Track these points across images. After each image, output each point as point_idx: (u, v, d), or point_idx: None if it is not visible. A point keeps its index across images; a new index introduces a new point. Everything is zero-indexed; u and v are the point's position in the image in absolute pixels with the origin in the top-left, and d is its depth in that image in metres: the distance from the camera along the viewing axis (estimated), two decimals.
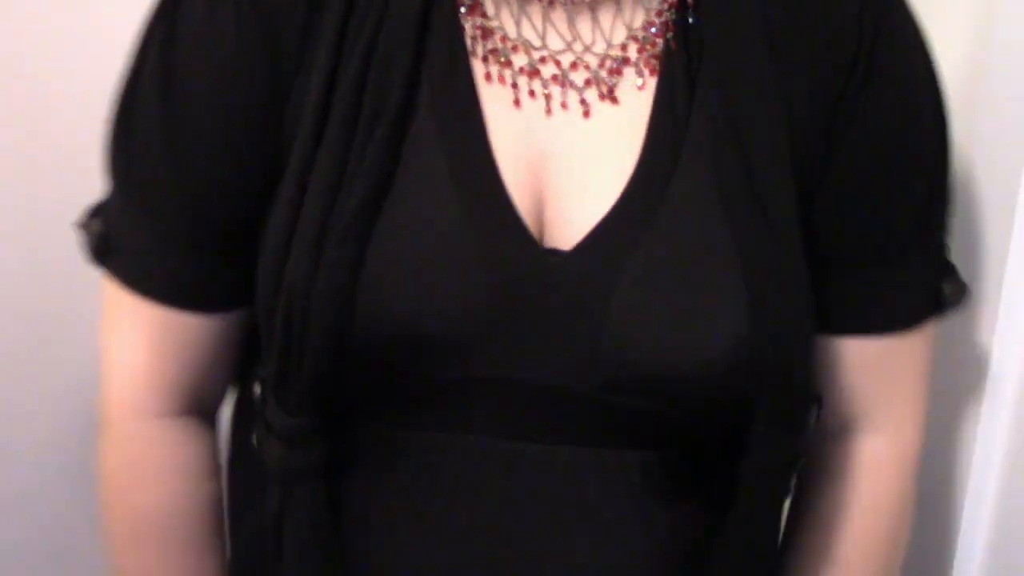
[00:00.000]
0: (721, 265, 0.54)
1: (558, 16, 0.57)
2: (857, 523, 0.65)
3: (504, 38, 0.57)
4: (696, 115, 0.56)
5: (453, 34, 0.57)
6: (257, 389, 0.58)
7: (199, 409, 0.64)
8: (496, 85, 0.57)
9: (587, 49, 0.57)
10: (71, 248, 0.65)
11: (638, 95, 0.57)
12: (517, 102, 0.57)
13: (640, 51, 0.58)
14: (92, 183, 0.63)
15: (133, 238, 0.60)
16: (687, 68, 0.57)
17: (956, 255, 0.74)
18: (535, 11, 0.57)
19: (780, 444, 0.58)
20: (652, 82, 0.58)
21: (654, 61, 0.58)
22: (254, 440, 0.59)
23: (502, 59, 0.57)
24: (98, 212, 0.62)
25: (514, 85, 0.57)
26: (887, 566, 0.67)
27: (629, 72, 0.58)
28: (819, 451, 0.65)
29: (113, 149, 0.60)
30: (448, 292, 0.53)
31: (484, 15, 0.57)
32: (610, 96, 0.57)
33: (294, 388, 0.54)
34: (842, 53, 0.58)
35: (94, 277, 0.63)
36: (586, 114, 0.57)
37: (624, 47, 0.58)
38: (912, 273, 0.63)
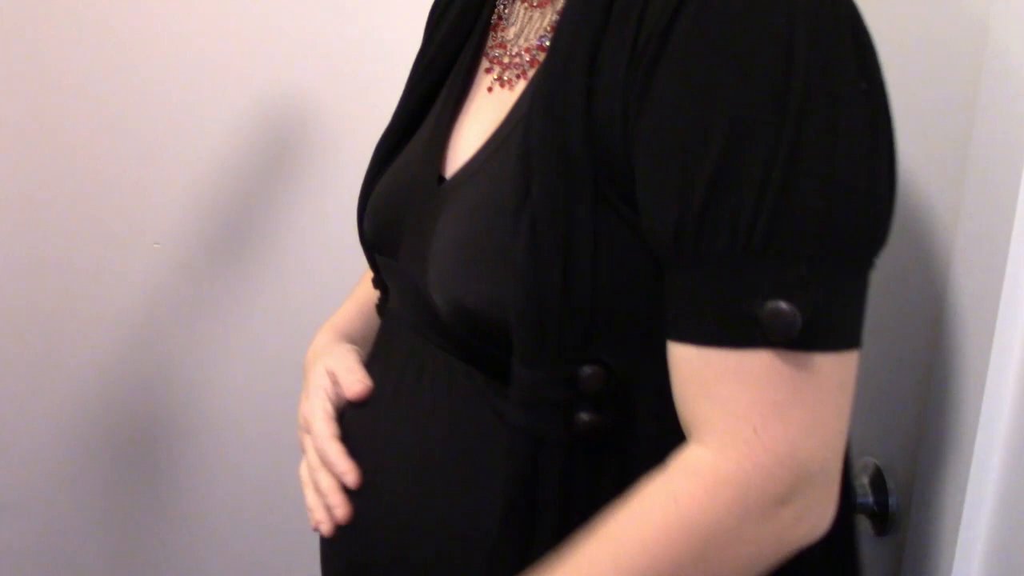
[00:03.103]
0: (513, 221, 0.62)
1: (526, 16, 0.74)
2: (637, 507, 0.60)
3: (495, 37, 0.77)
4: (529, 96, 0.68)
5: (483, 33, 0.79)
6: None
7: None
8: (482, 74, 0.77)
9: (516, 44, 0.74)
10: (71, 248, 0.65)
11: (520, 82, 0.72)
12: (490, 89, 0.75)
13: (540, 48, 0.71)
14: (92, 183, 0.63)
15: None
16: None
17: (956, 254, 0.74)
18: (520, 12, 0.75)
19: (530, 377, 0.63)
20: (532, 71, 0.72)
21: (540, 54, 0.71)
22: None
23: (491, 55, 0.76)
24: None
25: (488, 72, 0.76)
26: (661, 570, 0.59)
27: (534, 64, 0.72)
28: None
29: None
30: (375, 199, 0.81)
31: (500, 18, 0.77)
32: (508, 82, 0.73)
33: None
34: (652, 23, 0.58)
35: (94, 277, 0.63)
36: (489, 89, 0.75)
37: (541, 47, 0.71)
38: (697, 283, 0.57)
